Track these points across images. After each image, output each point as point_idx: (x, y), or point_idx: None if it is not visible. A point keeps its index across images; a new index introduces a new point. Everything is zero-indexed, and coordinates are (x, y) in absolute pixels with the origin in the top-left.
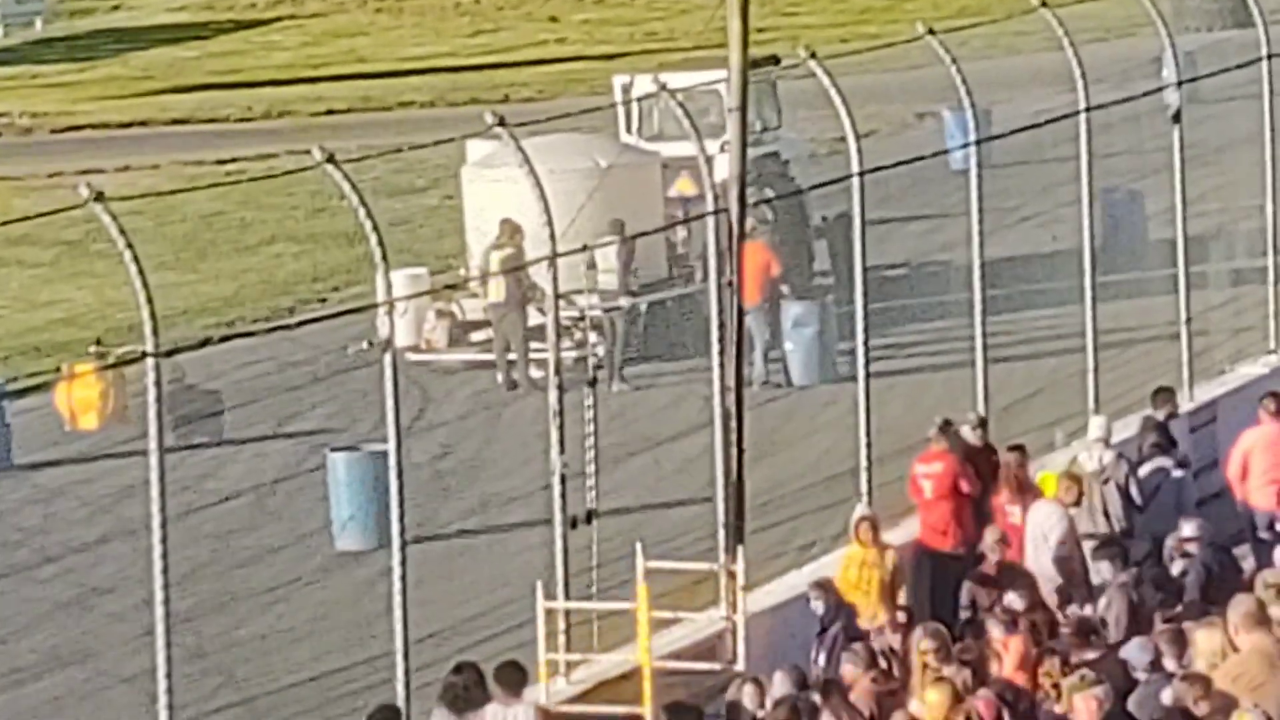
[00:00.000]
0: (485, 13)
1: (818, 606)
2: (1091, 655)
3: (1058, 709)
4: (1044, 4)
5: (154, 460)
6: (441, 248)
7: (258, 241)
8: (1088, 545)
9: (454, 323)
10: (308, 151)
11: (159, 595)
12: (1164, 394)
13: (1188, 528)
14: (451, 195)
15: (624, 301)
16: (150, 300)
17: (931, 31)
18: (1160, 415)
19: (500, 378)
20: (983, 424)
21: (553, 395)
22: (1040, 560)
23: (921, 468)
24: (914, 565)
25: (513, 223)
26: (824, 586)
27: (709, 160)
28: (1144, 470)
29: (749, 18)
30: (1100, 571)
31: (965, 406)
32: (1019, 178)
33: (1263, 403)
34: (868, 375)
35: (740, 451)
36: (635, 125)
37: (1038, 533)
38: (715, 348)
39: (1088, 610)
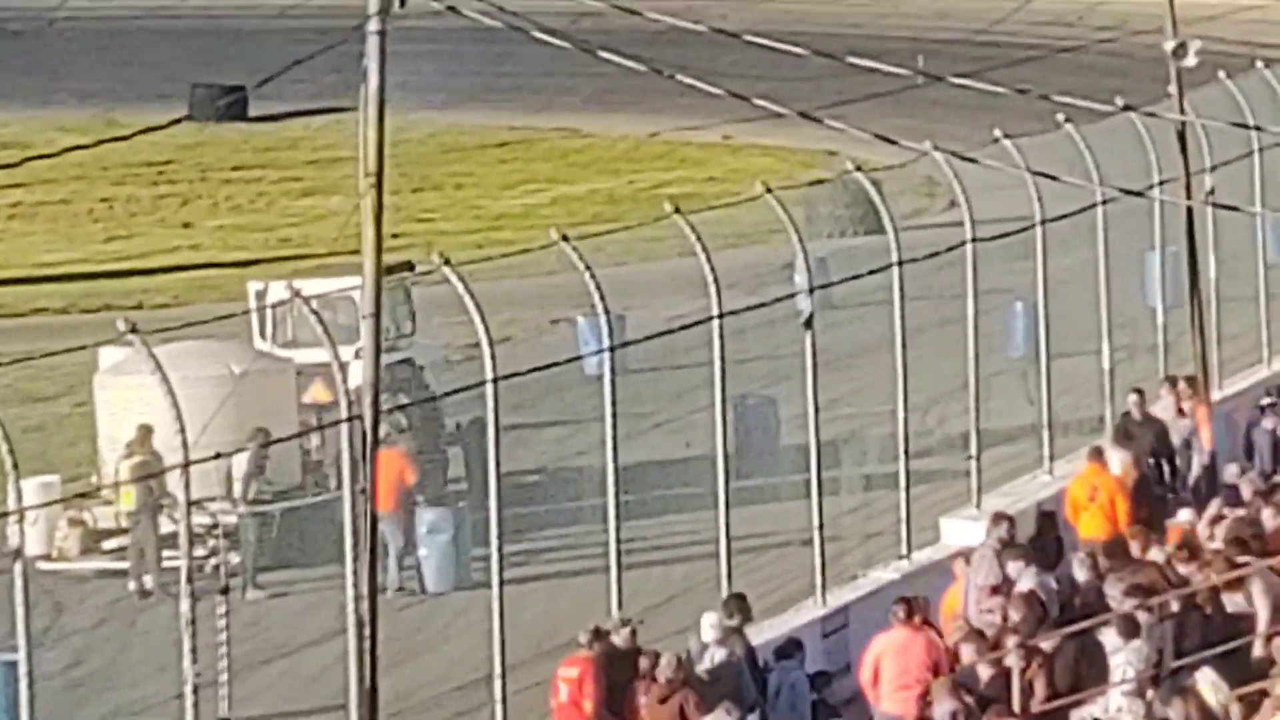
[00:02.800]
0: (119, 218)
1: None
2: None
3: None
4: (677, 210)
5: None
6: (73, 455)
7: None
8: None
9: (86, 531)
10: None
11: None
12: (734, 601)
13: None
14: (84, 402)
15: (258, 509)
16: None
17: (565, 238)
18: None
19: (133, 585)
20: (635, 629)
21: (185, 604)
22: None
23: (563, 672)
24: None
25: (145, 429)
26: None
27: (343, 367)
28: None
29: (383, 224)
30: None
31: (600, 612)
32: (653, 383)
33: (894, 608)
34: (502, 582)
35: (374, 659)
36: (270, 332)
37: None
38: (349, 554)
39: None
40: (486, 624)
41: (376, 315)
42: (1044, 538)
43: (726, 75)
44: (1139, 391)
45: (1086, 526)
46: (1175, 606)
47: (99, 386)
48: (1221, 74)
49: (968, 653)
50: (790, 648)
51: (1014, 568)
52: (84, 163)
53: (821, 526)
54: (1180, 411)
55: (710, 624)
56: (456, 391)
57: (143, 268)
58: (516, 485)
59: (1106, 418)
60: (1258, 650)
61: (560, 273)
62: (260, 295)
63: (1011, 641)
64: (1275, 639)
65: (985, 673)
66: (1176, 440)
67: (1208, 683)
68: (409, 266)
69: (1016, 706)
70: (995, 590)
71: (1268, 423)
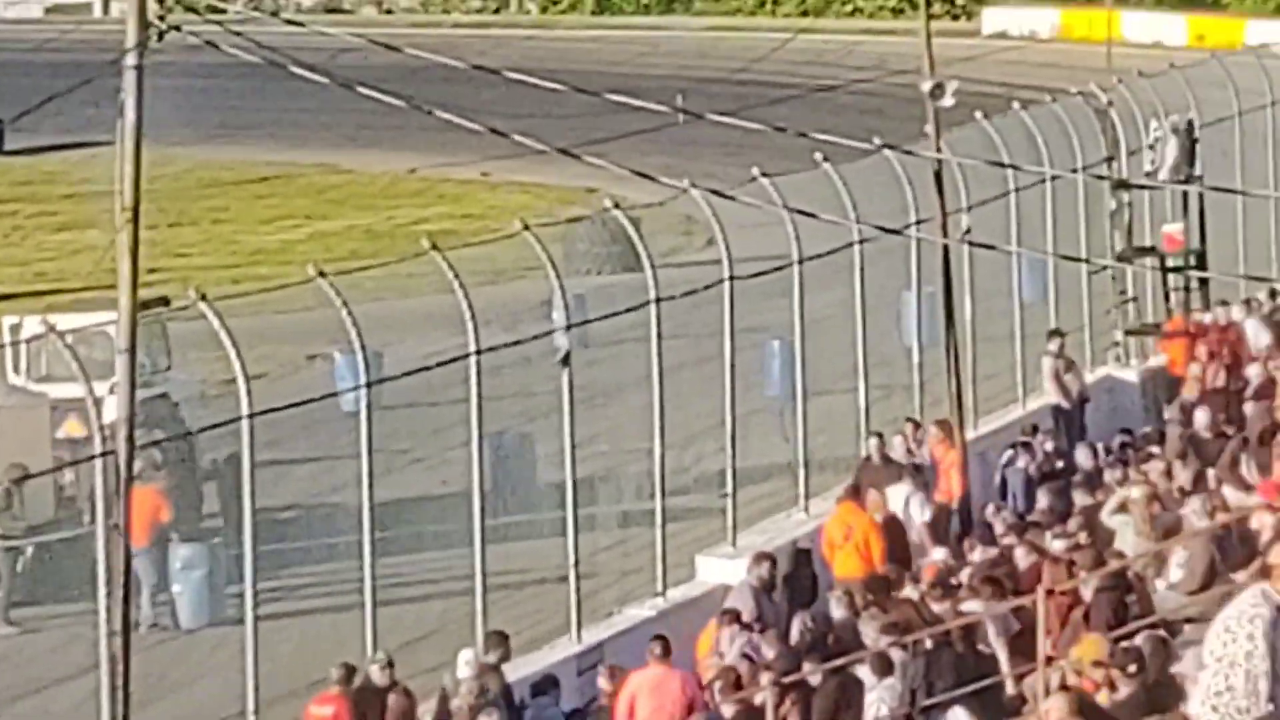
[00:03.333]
0: None
1: None
2: None
3: None
4: (435, 247)
5: None
6: None
7: None
8: None
9: None
10: None
11: None
12: (495, 638)
13: None
14: None
15: (10, 544)
16: None
17: (322, 274)
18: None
19: None
20: (390, 664)
21: None
22: None
23: (315, 709)
24: None
25: None
26: None
27: (98, 402)
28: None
29: (139, 259)
30: None
31: (355, 648)
32: (410, 420)
33: (650, 645)
34: (256, 618)
35: (126, 695)
36: (24, 366)
37: None
38: (102, 590)
39: None
40: (240, 661)
41: (132, 350)
42: (799, 575)
43: (485, 112)
44: (879, 435)
45: (842, 565)
46: (929, 644)
47: None
48: (978, 114)
49: (721, 690)
50: (546, 684)
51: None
52: None
53: (577, 563)
54: (910, 453)
55: (466, 660)
56: (212, 427)
57: None
58: (272, 521)
59: (862, 456)
60: (1009, 689)
61: (317, 309)
62: (15, 330)
63: (765, 679)
64: (1026, 678)
65: (734, 710)
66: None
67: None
68: (165, 302)
69: None
70: (749, 627)
71: (1021, 462)
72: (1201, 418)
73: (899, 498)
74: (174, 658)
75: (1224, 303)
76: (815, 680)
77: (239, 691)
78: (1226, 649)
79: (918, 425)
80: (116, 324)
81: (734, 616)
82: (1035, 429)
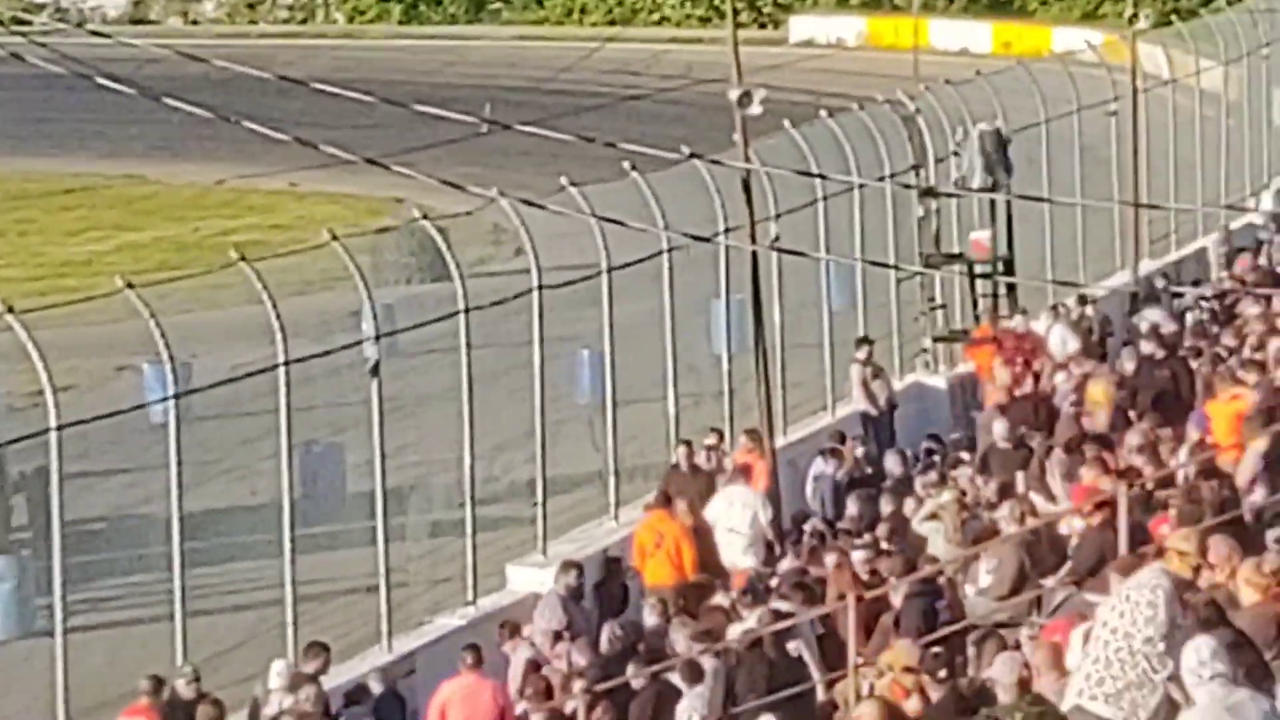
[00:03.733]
0: None
1: None
2: None
3: None
4: (243, 258)
5: None
6: None
7: None
8: None
9: None
10: None
11: None
12: (314, 648)
13: None
14: None
15: None
16: None
17: (130, 285)
18: (310, 669)
19: None
20: (197, 677)
21: None
22: None
23: None
24: None
25: None
26: None
27: None
28: None
29: None
30: None
31: (166, 659)
32: (219, 430)
33: (461, 654)
34: (65, 630)
35: None
36: None
37: None
38: None
39: None
40: (50, 673)
41: None
42: (610, 584)
43: (293, 122)
44: (687, 443)
45: (653, 573)
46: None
47: None
48: (786, 123)
49: (531, 699)
50: (358, 694)
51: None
52: None
53: (388, 573)
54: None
55: (278, 671)
56: (19, 439)
57: None
58: (80, 533)
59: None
60: (820, 695)
61: (125, 320)
62: None
63: (577, 686)
64: (836, 684)
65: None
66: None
67: None
68: None
69: None
70: (559, 636)
71: (830, 469)
72: (999, 428)
73: (745, 501)
74: None
75: (1023, 311)
76: (637, 684)
77: (49, 704)
78: (1122, 619)
79: (722, 435)
80: None
81: (514, 628)
82: (843, 436)
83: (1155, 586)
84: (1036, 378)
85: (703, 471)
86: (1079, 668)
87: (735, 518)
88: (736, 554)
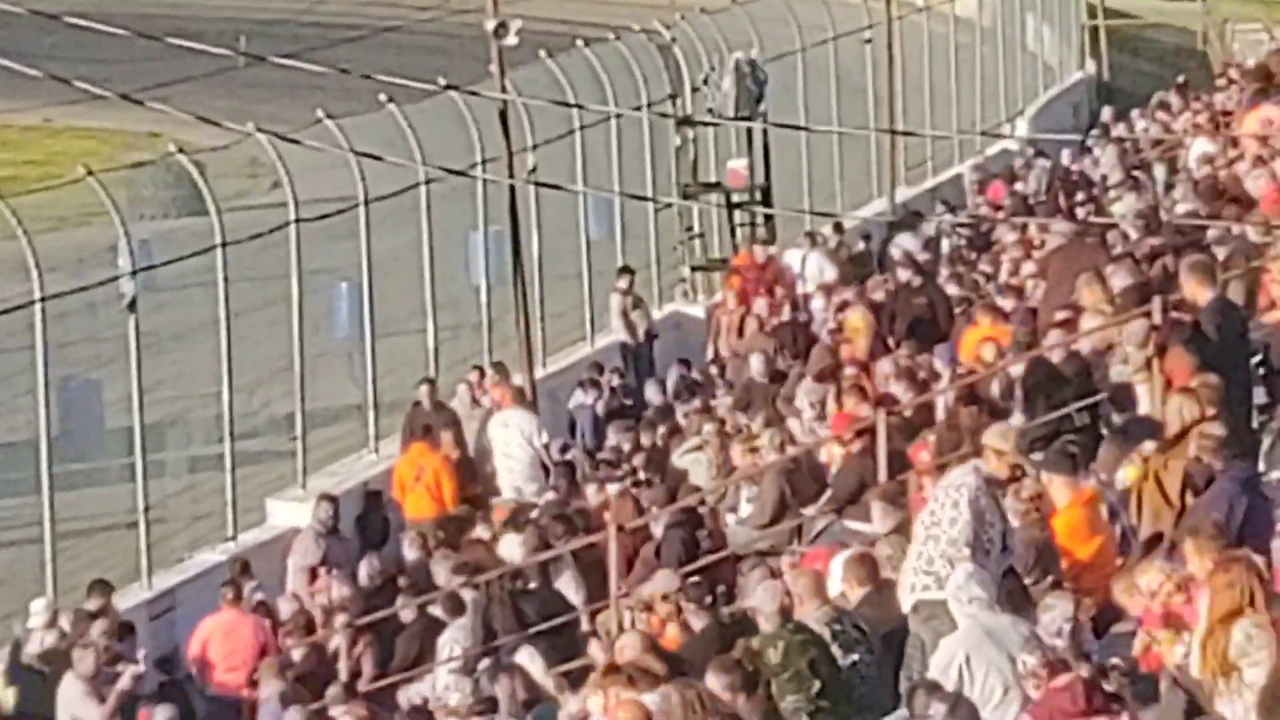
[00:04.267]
0: None
1: None
2: None
3: None
4: None
5: None
6: None
7: None
8: None
9: None
10: None
11: None
12: (98, 586)
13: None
14: None
15: None
16: None
17: None
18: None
19: None
20: None
21: None
22: None
23: None
24: None
25: None
26: None
27: None
28: None
29: None
30: None
31: None
32: None
33: (222, 590)
34: None
35: None
36: None
37: None
38: None
39: None
40: None
41: None
42: (371, 517)
43: (47, 58)
44: (430, 381)
45: (413, 506)
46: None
47: None
48: (542, 53)
49: (292, 633)
50: (122, 631)
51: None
52: None
53: (147, 509)
54: (475, 401)
55: (37, 610)
56: None
57: None
58: None
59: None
60: (584, 626)
61: None
62: None
63: (339, 620)
64: (599, 615)
65: (304, 654)
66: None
67: (530, 658)
68: None
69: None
70: (315, 571)
71: (589, 399)
72: (755, 362)
73: (520, 425)
74: None
75: (765, 242)
76: (405, 617)
77: None
78: (934, 516)
79: (483, 371)
80: None
81: (244, 565)
82: (601, 368)
83: (960, 486)
84: (795, 305)
85: (446, 409)
86: (905, 567)
87: (511, 442)
88: (518, 480)
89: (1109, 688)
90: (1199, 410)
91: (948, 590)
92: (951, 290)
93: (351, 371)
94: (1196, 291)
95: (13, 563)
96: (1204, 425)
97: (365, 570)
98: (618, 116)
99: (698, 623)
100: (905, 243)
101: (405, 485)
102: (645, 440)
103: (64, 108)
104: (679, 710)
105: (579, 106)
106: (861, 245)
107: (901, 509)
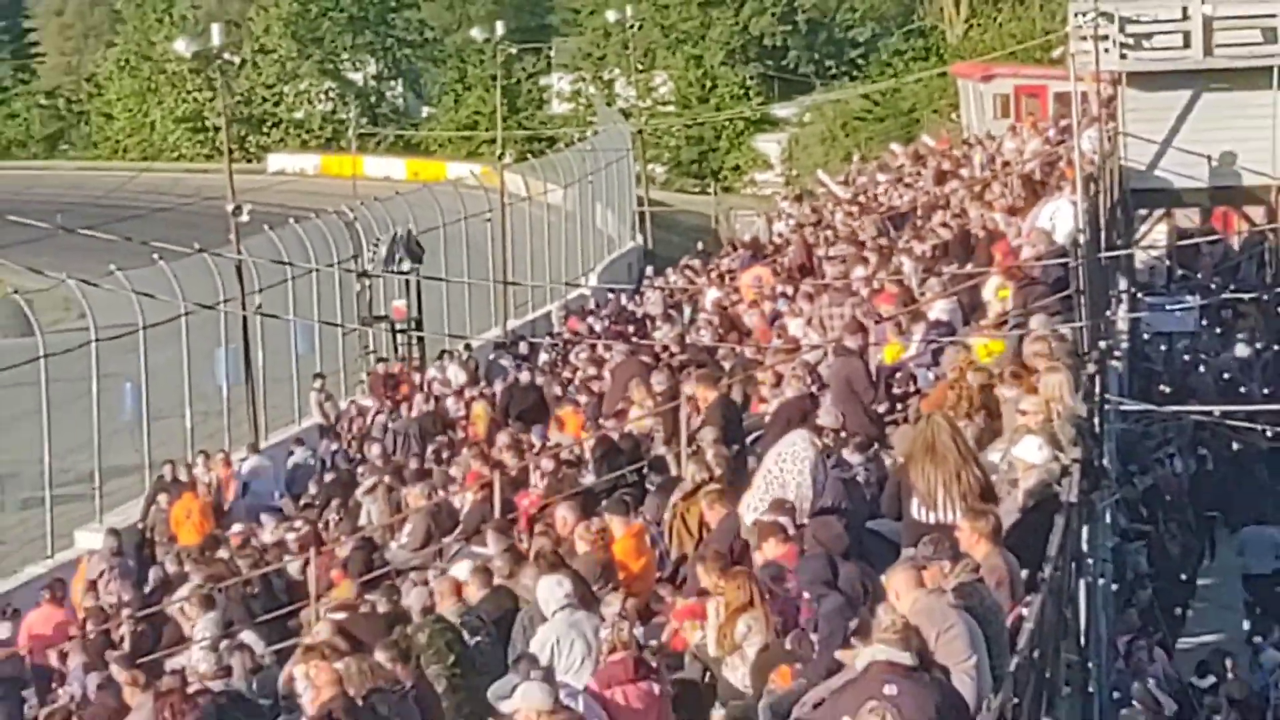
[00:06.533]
0: None
1: None
2: None
3: None
4: None
5: None
6: None
7: None
8: None
9: None
10: None
11: None
12: None
13: None
14: None
15: None
16: None
17: None
18: None
19: None
20: None
21: None
22: None
23: None
24: None
25: None
26: None
27: None
28: None
29: None
30: None
31: None
32: None
33: (41, 591)
34: None
35: None
36: None
37: None
38: None
39: None
40: None
41: None
42: (146, 544)
43: None
44: (170, 462)
45: (184, 536)
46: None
47: None
48: (266, 227)
49: (91, 624)
50: None
51: None
52: None
53: None
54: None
55: None
56: None
57: None
58: None
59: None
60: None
61: None
62: None
63: (125, 613)
64: (303, 610)
65: (97, 636)
66: None
67: (254, 640)
68: None
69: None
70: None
71: (301, 457)
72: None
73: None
74: None
75: (404, 359)
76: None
77: None
78: (780, 468)
79: (208, 454)
80: None
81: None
82: (301, 441)
83: (803, 458)
84: (436, 399)
85: (184, 484)
86: (747, 503)
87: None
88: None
89: (651, 661)
90: (708, 473)
91: (540, 596)
92: (550, 390)
93: (134, 443)
94: (704, 393)
95: None
96: (710, 484)
97: (152, 576)
98: (317, 270)
99: (382, 608)
100: (510, 358)
101: (179, 521)
102: (337, 496)
103: None
104: (357, 675)
105: (290, 264)
106: (484, 359)
107: (510, 538)
